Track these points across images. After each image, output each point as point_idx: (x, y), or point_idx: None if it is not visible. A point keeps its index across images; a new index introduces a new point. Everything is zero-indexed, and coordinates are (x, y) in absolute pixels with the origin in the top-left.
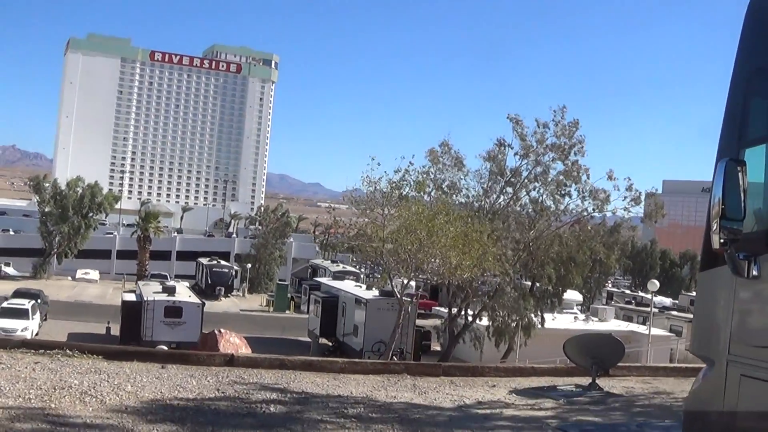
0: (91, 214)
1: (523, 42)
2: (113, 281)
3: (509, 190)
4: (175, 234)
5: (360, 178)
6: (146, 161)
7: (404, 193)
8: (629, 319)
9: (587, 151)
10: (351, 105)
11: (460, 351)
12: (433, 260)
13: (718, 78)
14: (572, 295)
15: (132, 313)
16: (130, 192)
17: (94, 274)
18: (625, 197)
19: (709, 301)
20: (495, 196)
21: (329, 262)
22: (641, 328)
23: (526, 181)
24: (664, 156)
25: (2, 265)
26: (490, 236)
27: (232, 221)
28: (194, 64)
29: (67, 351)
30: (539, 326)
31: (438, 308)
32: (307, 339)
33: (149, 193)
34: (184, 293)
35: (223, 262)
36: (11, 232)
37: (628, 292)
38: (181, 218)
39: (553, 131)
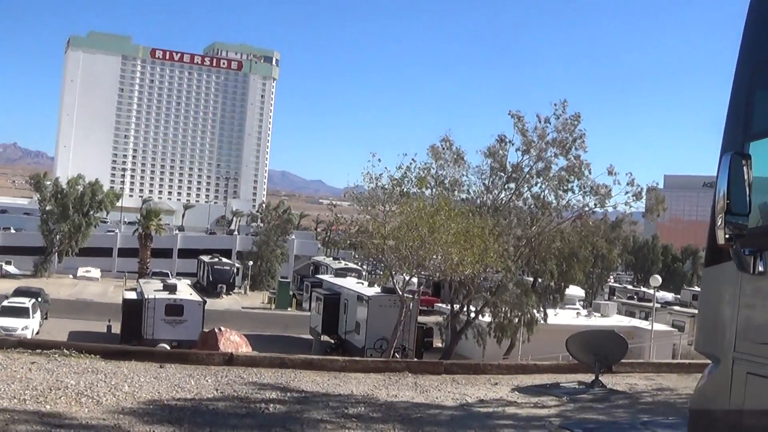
0: (92, 212)
1: (525, 38)
2: (115, 279)
3: (511, 185)
4: (177, 231)
5: (361, 175)
6: (147, 159)
7: (405, 189)
8: (631, 315)
9: (589, 145)
10: (353, 102)
11: (462, 347)
12: (434, 257)
13: (720, 72)
14: (574, 291)
15: (133, 311)
16: (131, 189)
17: (95, 272)
18: (627, 192)
19: (714, 297)
20: (497, 191)
21: (331, 259)
22: (643, 324)
23: (528, 176)
24: (666, 151)
25: (3, 264)
26: (492, 232)
27: (234, 218)
28: (195, 62)
29: (64, 350)
30: (542, 322)
31: (440, 305)
32: (309, 336)
33: (151, 191)
34: (185, 291)
35: (224, 260)
36: (12, 231)
37: (630, 287)
38: (183, 216)
39: (554, 126)
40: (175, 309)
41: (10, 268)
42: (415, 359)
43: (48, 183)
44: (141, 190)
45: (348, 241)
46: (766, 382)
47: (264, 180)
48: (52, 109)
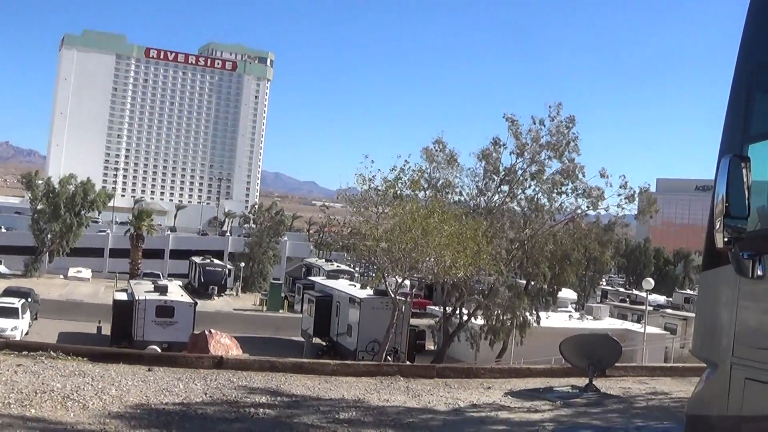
0: (83, 212)
1: (525, 37)
2: (106, 280)
3: (504, 188)
4: (169, 232)
5: (354, 176)
6: (140, 159)
7: (399, 191)
8: (624, 318)
9: (582, 147)
10: (347, 103)
11: (455, 350)
12: (427, 259)
13: (715, 75)
14: (567, 294)
15: (123, 312)
16: (123, 190)
17: (86, 273)
18: (620, 194)
19: (712, 301)
20: (490, 194)
21: (323, 260)
22: (636, 327)
23: (521, 179)
24: (659, 154)
25: None
26: (485, 234)
27: (227, 220)
28: (189, 62)
29: (51, 353)
30: (534, 325)
31: (432, 307)
32: (301, 339)
33: (143, 191)
34: (176, 292)
35: (216, 261)
36: (3, 230)
37: (622, 290)
38: (175, 216)
39: (549, 128)
40: (165, 310)
41: (1, 268)
42: (407, 363)
43: (40, 182)
44: (133, 190)
45: (341, 243)
46: (764, 388)
47: (257, 181)
48: (45, 108)
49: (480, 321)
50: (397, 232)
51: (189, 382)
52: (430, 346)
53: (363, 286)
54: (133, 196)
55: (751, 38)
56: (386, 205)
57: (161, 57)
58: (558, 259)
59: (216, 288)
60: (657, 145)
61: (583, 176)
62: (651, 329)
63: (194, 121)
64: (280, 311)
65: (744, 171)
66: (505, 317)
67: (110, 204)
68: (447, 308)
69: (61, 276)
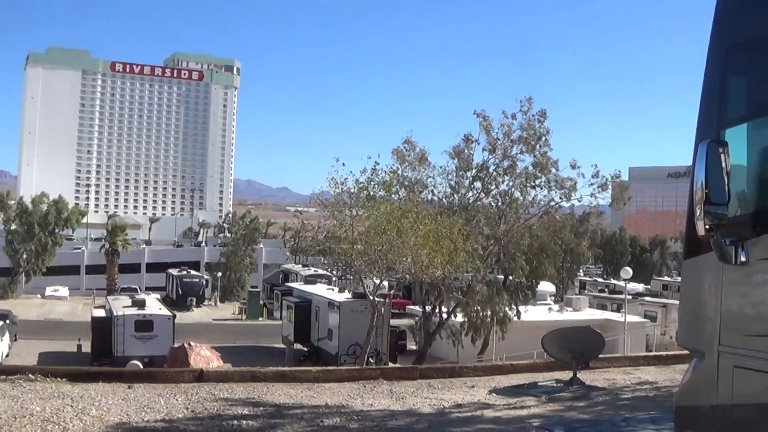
0: (57, 231)
1: (484, 35)
2: (83, 297)
3: (477, 185)
4: (144, 246)
5: (326, 180)
6: (111, 173)
7: (372, 193)
8: (603, 308)
9: (553, 139)
10: (316, 107)
11: (437, 348)
12: (404, 259)
13: (685, 62)
14: (545, 287)
15: (102, 329)
16: (96, 205)
17: (63, 291)
18: (592, 184)
19: (696, 290)
20: (463, 191)
21: (300, 266)
22: (616, 316)
23: (494, 174)
24: (629, 143)
25: None
26: (461, 231)
27: (201, 230)
28: (156, 74)
29: (29, 375)
30: (515, 319)
31: (412, 307)
32: (282, 345)
33: (116, 206)
34: (154, 306)
35: (193, 272)
36: None
37: (600, 280)
38: (150, 229)
39: (520, 123)
40: (144, 325)
41: None
42: (390, 365)
43: (12, 202)
44: (106, 206)
45: (317, 247)
46: (754, 375)
47: (230, 190)
48: (14, 127)
49: (460, 318)
50: (372, 234)
51: (170, 397)
52: (411, 346)
53: (341, 290)
54: (107, 212)
55: (724, 20)
56: (360, 207)
57: (127, 70)
58: (535, 252)
59: (194, 299)
60: (627, 135)
61: (557, 170)
62: (631, 318)
63: (163, 133)
64: (260, 319)
65: (722, 156)
66: (484, 313)
67: (84, 221)
68: (426, 307)
69: (39, 296)
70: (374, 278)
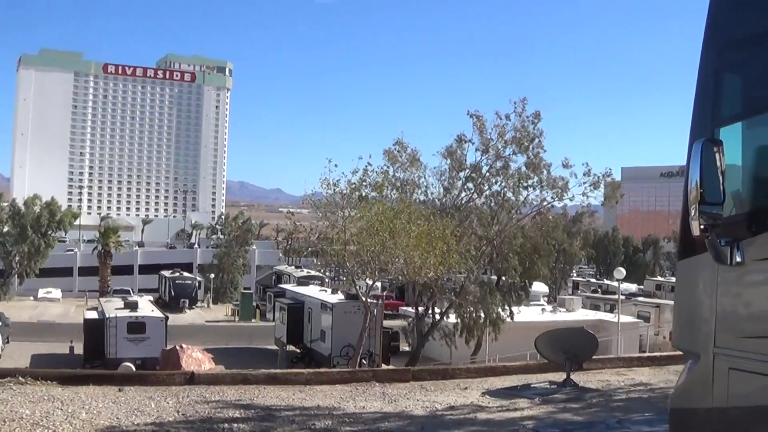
0: (50, 233)
1: (475, 33)
2: (76, 299)
3: (470, 185)
4: (137, 248)
5: (319, 181)
6: (104, 175)
7: (364, 194)
8: (596, 308)
9: (545, 140)
10: (309, 108)
11: (430, 350)
12: (396, 260)
13: (678, 62)
14: (539, 287)
15: (94, 331)
16: (89, 207)
17: (56, 293)
18: (584, 182)
19: (691, 291)
20: (456, 192)
21: (293, 267)
22: (609, 317)
23: (487, 175)
24: (621, 143)
25: None
26: (454, 233)
27: (194, 232)
28: (148, 75)
29: (20, 378)
30: (508, 320)
31: (405, 308)
32: (275, 347)
33: (109, 208)
34: (146, 308)
35: (185, 274)
36: None
37: (593, 280)
38: (142, 231)
39: (514, 124)
40: (137, 327)
41: None
42: (383, 367)
43: (4, 204)
44: (99, 207)
45: (309, 249)
46: (750, 377)
47: (222, 191)
48: (6, 129)
49: (453, 319)
50: (364, 235)
51: (161, 400)
52: (404, 347)
53: (334, 291)
54: (99, 214)
55: (718, 16)
56: (352, 208)
57: (119, 72)
58: (527, 252)
59: (187, 301)
60: (620, 135)
61: (548, 173)
62: (624, 318)
63: (156, 135)
64: (253, 321)
65: (717, 155)
66: (477, 314)
67: (77, 223)
68: (419, 308)
69: (31, 297)
70: (367, 279)
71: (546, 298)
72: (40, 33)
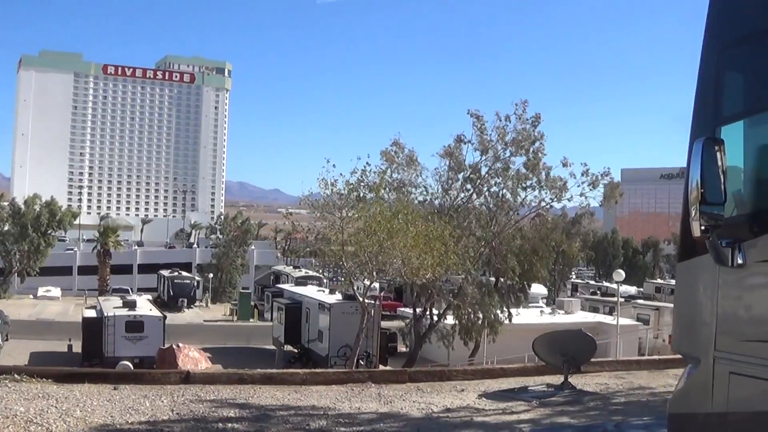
0: (50, 232)
1: (481, 33)
2: (75, 298)
3: (468, 187)
4: (136, 247)
5: (317, 181)
6: (104, 175)
7: (362, 194)
8: (595, 310)
9: (546, 139)
10: (308, 109)
11: (428, 351)
12: (394, 261)
13: (676, 61)
14: (537, 289)
15: (93, 329)
16: (89, 207)
17: (55, 292)
18: (582, 182)
19: (691, 293)
20: (455, 193)
21: (291, 267)
22: (608, 319)
23: (486, 176)
24: (621, 145)
25: None
26: (452, 234)
27: (193, 231)
28: (147, 76)
29: (15, 375)
30: (506, 322)
31: (403, 309)
32: (272, 347)
33: (108, 207)
34: (144, 307)
35: (184, 273)
36: None
37: (592, 282)
38: (142, 231)
39: (514, 126)
40: (135, 326)
41: None
42: (380, 368)
43: (5, 204)
44: (99, 207)
45: (307, 249)
46: (750, 382)
47: (221, 191)
48: (6, 130)
49: (451, 321)
50: (362, 236)
51: (155, 399)
52: (402, 348)
53: (332, 292)
54: (99, 213)
55: (718, 13)
56: (350, 209)
57: (119, 73)
58: (526, 254)
59: (185, 300)
60: (619, 137)
61: (547, 176)
62: (623, 321)
63: (155, 135)
64: (251, 320)
65: (718, 154)
66: (475, 316)
67: (76, 222)
68: (417, 310)
69: (31, 296)
70: (364, 280)
71: (545, 300)
72: (40, 34)
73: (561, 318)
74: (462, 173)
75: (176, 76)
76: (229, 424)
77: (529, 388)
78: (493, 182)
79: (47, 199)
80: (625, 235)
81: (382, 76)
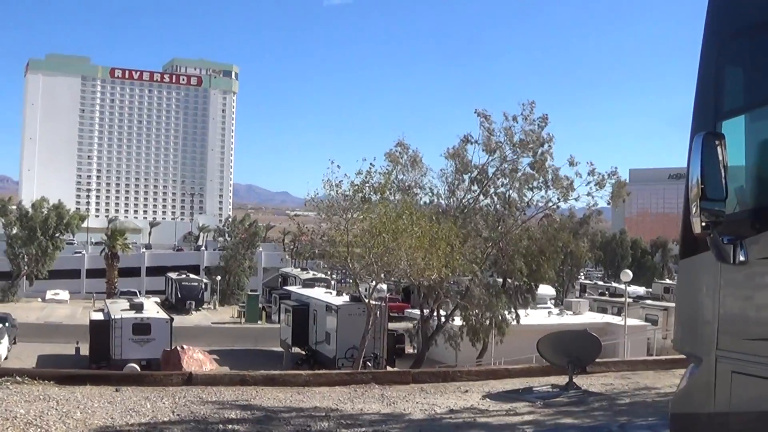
0: (58, 235)
1: (486, 34)
2: (84, 300)
3: (475, 188)
4: (144, 250)
5: (322, 182)
6: (112, 178)
7: (367, 195)
8: (604, 311)
9: (555, 142)
10: (315, 110)
11: (435, 352)
12: (399, 262)
13: (683, 59)
14: (545, 290)
15: (100, 332)
16: (97, 210)
17: (63, 295)
18: (589, 182)
19: (692, 291)
20: (462, 194)
21: (299, 269)
22: (616, 319)
23: (493, 177)
24: (630, 145)
25: None
26: (457, 235)
27: (201, 234)
28: (155, 79)
29: (17, 378)
30: (513, 323)
31: (411, 310)
32: (280, 349)
33: (116, 210)
34: (152, 309)
35: (192, 276)
36: None
37: (601, 283)
38: (150, 234)
39: (521, 127)
40: (142, 328)
41: None
42: (386, 368)
43: (12, 207)
44: (107, 210)
45: (315, 251)
46: (753, 381)
47: (229, 194)
48: (15, 133)
49: (459, 322)
50: (367, 237)
51: (157, 401)
52: (409, 349)
53: (339, 293)
54: (107, 216)
55: (718, 8)
56: (355, 210)
57: (126, 76)
58: (533, 255)
59: (193, 303)
60: (627, 137)
61: (556, 178)
62: (632, 321)
63: (163, 138)
64: (258, 322)
65: (719, 149)
66: (483, 317)
67: (84, 225)
68: (424, 311)
69: (39, 299)
70: (370, 281)
71: (553, 301)
72: (48, 38)
73: (569, 319)
74: (468, 174)
75: (183, 79)
76: (230, 426)
77: (534, 388)
78: (499, 183)
79: (55, 202)
80: (634, 236)
81: (392, 77)
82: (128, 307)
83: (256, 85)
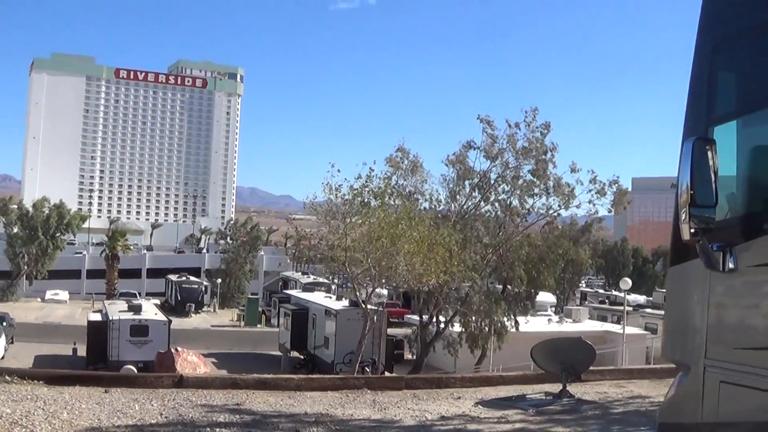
0: (58, 235)
1: (492, 38)
2: (83, 301)
3: (476, 194)
4: (145, 251)
5: (321, 186)
6: (115, 179)
7: (366, 200)
8: (603, 319)
9: (558, 151)
10: (320, 114)
11: (434, 359)
12: (398, 267)
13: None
14: (545, 297)
15: (98, 333)
16: (99, 211)
17: (63, 295)
18: (590, 190)
19: (681, 299)
20: (463, 200)
21: (300, 273)
22: (616, 328)
23: (495, 183)
24: (632, 154)
25: None
26: (456, 240)
27: (203, 236)
28: (159, 81)
29: (6, 377)
30: (512, 330)
31: (410, 316)
32: (279, 353)
33: (119, 211)
34: (150, 311)
35: (192, 278)
36: None
37: (601, 291)
38: (151, 235)
39: (524, 134)
40: (140, 330)
41: None
42: (380, 373)
43: (13, 207)
44: (109, 211)
45: (317, 255)
46: (741, 391)
47: (232, 197)
48: (18, 132)
49: (458, 328)
50: (365, 242)
51: (145, 402)
52: (408, 355)
53: (339, 298)
54: (109, 217)
55: (712, 11)
56: (354, 214)
57: (131, 77)
58: (534, 262)
59: (193, 305)
60: (629, 145)
61: (557, 184)
62: (631, 330)
63: (167, 140)
64: (258, 326)
65: (709, 155)
66: (482, 324)
67: (86, 225)
68: (423, 317)
69: (38, 299)
70: (368, 286)
71: (553, 309)
72: (53, 37)
73: (568, 326)
74: (469, 180)
75: (188, 81)
76: (218, 429)
77: (527, 396)
78: (500, 189)
79: (56, 201)
80: (636, 244)
81: (396, 81)
82: (126, 309)
83: (260, 88)
